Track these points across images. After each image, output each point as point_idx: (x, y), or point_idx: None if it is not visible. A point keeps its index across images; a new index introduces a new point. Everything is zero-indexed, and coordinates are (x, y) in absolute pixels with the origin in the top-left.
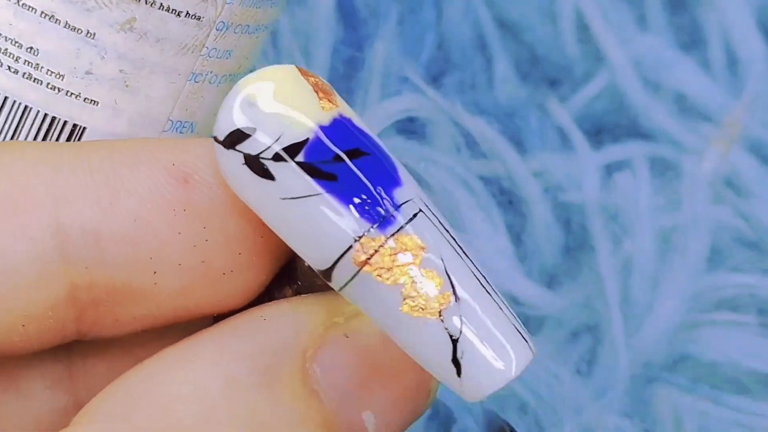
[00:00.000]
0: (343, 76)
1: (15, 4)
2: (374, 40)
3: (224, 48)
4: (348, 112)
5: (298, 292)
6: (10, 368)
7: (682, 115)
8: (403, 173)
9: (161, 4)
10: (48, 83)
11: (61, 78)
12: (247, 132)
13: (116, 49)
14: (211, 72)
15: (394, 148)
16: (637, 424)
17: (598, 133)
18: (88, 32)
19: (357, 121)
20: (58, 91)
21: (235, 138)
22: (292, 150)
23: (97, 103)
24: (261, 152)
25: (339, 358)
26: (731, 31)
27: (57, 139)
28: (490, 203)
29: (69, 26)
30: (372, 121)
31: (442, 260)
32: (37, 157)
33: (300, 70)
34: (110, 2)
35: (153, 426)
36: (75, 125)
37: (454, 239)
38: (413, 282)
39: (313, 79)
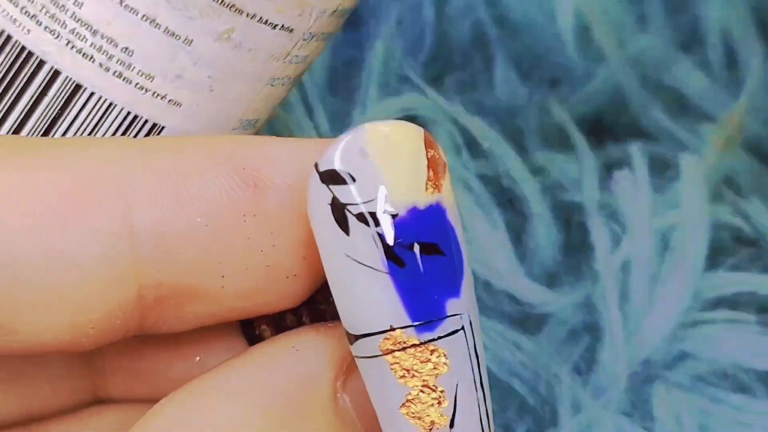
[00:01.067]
0: (343, 75)
1: (118, 4)
2: (374, 40)
3: (304, 54)
4: (448, 200)
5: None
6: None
7: (681, 114)
8: (466, 284)
9: (261, 17)
10: (137, 83)
11: (150, 80)
12: (346, 179)
13: (210, 57)
14: (287, 76)
15: None
16: (636, 422)
17: (598, 132)
18: (186, 38)
19: (452, 214)
20: (146, 91)
21: (333, 177)
22: (377, 219)
23: (181, 105)
24: (349, 204)
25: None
26: (731, 31)
27: (135, 136)
28: (490, 203)
29: (168, 31)
30: (372, 121)
31: (457, 384)
32: (107, 155)
33: (426, 137)
34: (213, 12)
35: None
36: (155, 124)
37: (479, 367)
38: (421, 392)
39: (432, 152)
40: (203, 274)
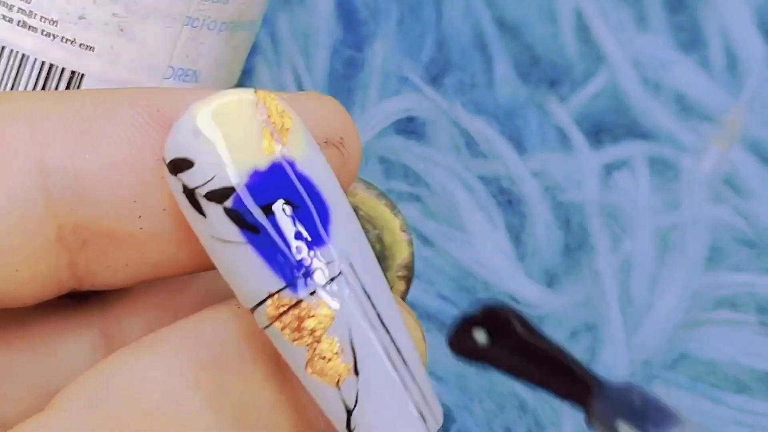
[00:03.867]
0: (343, 76)
1: None
2: (374, 40)
3: None
4: (297, 152)
5: None
6: (46, 337)
7: (681, 114)
8: (337, 228)
9: None
10: (42, 30)
11: (54, 24)
12: (186, 164)
13: None
14: (208, 17)
15: (394, 148)
16: None
17: (598, 133)
18: None
19: (304, 164)
20: (53, 37)
21: (177, 165)
22: (222, 194)
23: (93, 48)
24: (196, 187)
25: None
26: (731, 31)
27: (56, 88)
28: (490, 203)
29: None
30: (372, 121)
31: (349, 331)
32: (19, 103)
33: (259, 95)
34: None
35: (121, 410)
36: (73, 72)
37: (374, 306)
38: (315, 348)
39: (271, 107)
40: (119, 215)
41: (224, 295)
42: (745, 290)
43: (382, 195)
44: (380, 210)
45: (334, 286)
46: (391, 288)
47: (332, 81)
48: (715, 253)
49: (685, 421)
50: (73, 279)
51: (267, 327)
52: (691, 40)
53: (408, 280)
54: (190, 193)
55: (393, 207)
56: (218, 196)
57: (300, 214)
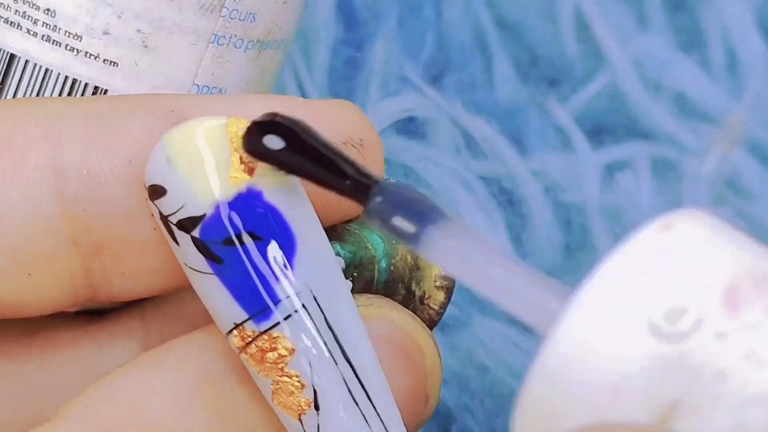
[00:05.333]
0: (343, 76)
1: None
2: (374, 40)
3: (246, 10)
4: (266, 182)
5: None
6: (88, 352)
7: (682, 115)
8: (301, 260)
9: None
10: (67, 45)
11: (79, 39)
12: (160, 192)
13: (132, 8)
14: (234, 35)
15: (394, 148)
16: None
17: (599, 133)
18: None
19: (272, 194)
20: (77, 52)
21: (154, 191)
22: (190, 223)
23: (117, 64)
24: (169, 215)
25: None
26: (731, 31)
27: None
28: (490, 203)
29: None
30: (372, 121)
31: (310, 365)
32: (34, 105)
33: (231, 122)
34: None
35: (125, 421)
36: (96, 87)
37: (337, 341)
38: (278, 381)
39: (239, 140)
40: (132, 215)
41: None
42: None
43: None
44: None
45: (295, 319)
46: (428, 299)
47: (332, 81)
48: None
49: (453, 216)
50: (88, 287)
51: (239, 355)
52: (691, 40)
53: (448, 289)
54: (164, 220)
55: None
56: (187, 225)
57: (263, 245)
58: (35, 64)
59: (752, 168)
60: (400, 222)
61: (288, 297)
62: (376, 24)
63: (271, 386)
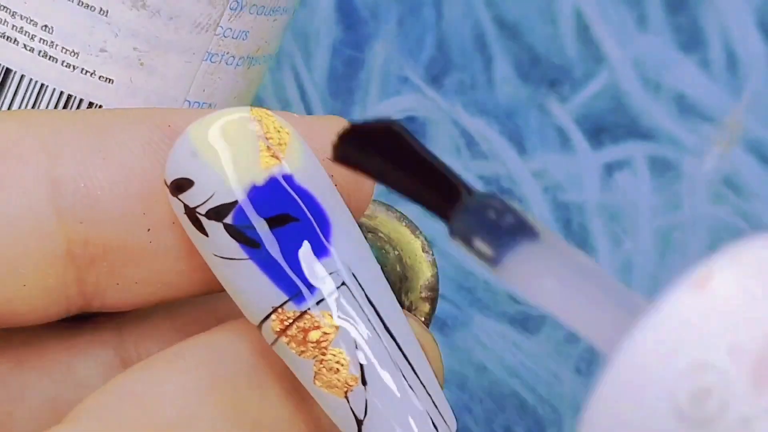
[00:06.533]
0: (343, 76)
1: None
2: (374, 40)
3: (240, 28)
4: (295, 165)
5: None
6: (62, 358)
7: (682, 115)
8: (338, 239)
9: None
10: (63, 61)
11: (75, 56)
12: (186, 184)
13: (129, 27)
14: (227, 53)
15: None
16: None
17: (598, 133)
18: (101, 9)
19: (302, 176)
20: (73, 68)
21: (178, 186)
22: (222, 211)
23: (112, 81)
24: (196, 206)
25: None
26: (731, 31)
27: None
28: None
29: (82, 3)
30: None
31: (355, 341)
32: (31, 118)
33: (254, 113)
34: None
35: (137, 424)
36: (91, 103)
37: (378, 315)
38: (322, 361)
39: (267, 124)
40: (129, 227)
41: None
42: None
43: (403, 216)
44: (401, 231)
45: (338, 296)
46: (415, 309)
47: (332, 81)
48: (714, 253)
49: (542, 230)
50: (81, 297)
51: (274, 343)
52: (691, 40)
53: (432, 300)
54: (191, 213)
55: (414, 228)
56: (218, 213)
57: (300, 226)
58: (31, 79)
59: (751, 167)
60: (480, 245)
61: (330, 274)
62: (376, 24)
63: (314, 367)
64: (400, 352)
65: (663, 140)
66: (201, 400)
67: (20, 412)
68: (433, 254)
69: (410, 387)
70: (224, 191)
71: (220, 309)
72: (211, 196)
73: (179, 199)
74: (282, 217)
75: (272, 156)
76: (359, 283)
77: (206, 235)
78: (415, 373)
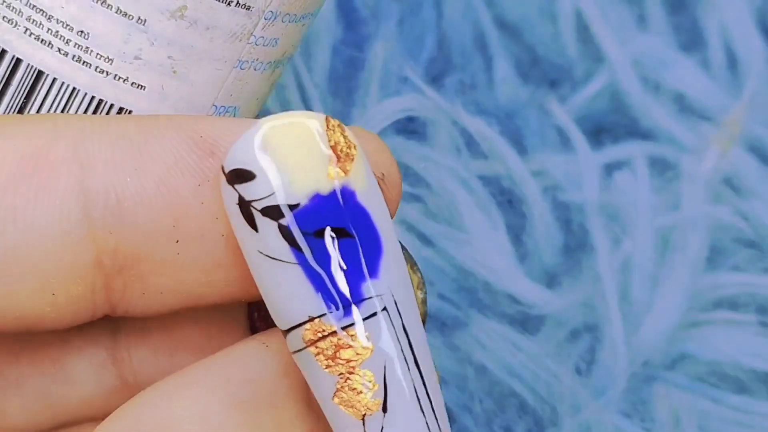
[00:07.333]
0: (343, 76)
1: None
2: (374, 40)
3: (271, 36)
4: (358, 183)
5: None
6: (54, 354)
7: (681, 115)
8: (386, 264)
9: None
10: (97, 66)
11: (109, 62)
12: (247, 177)
13: (166, 36)
14: (257, 59)
15: (394, 148)
16: (636, 423)
17: (598, 133)
18: (138, 18)
19: (363, 196)
20: (107, 74)
21: (237, 176)
22: (279, 211)
23: (144, 87)
24: (253, 201)
25: None
26: (731, 31)
27: None
28: (490, 203)
29: (120, 11)
30: (372, 121)
31: (384, 367)
32: (63, 124)
33: (329, 122)
34: None
35: None
36: (121, 108)
37: (411, 346)
38: (348, 379)
39: (337, 138)
40: (158, 239)
41: (233, 329)
42: (745, 290)
43: (403, 248)
44: None
45: (378, 320)
46: None
47: (332, 81)
48: (715, 253)
49: None
50: (107, 304)
51: (298, 351)
52: (691, 40)
53: (423, 302)
54: (245, 206)
55: (413, 263)
56: (275, 212)
57: (353, 244)
58: (62, 83)
59: (751, 167)
60: None
61: (374, 297)
62: (376, 24)
63: (337, 384)
64: (423, 386)
65: (663, 140)
66: (222, 423)
67: (12, 406)
68: (425, 293)
69: (426, 423)
70: (287, 193)
71: (214, 317)
72: (271, 194)
73: (235, 189)
74: (338, 231)
75: (340, 169)
76: (398, 311)
77: (256, 230)
78: (433, 409)
